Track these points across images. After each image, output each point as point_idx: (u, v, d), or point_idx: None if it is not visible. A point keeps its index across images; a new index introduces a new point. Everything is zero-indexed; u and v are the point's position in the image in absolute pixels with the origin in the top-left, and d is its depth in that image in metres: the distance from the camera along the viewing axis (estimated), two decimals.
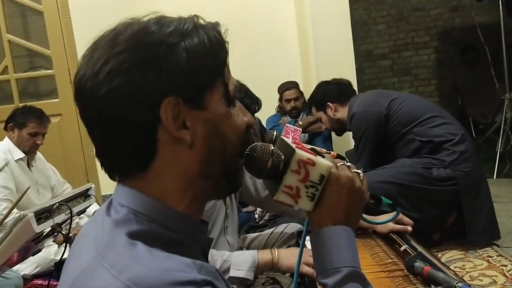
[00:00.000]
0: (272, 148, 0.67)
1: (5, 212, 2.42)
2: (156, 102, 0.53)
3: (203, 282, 0.49)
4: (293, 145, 0.69)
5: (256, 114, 3.54)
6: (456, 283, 1.05)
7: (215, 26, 0.60)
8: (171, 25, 0.57)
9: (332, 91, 2.56)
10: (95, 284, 0.50)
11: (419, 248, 1.38)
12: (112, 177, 0.59)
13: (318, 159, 0.68)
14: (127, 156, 0.56)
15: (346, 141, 3.27)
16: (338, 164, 0.70)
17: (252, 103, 1.53)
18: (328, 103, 2.53)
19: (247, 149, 0.67)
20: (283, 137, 0.73)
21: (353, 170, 0.71)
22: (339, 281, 0.65)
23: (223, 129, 0.58)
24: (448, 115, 2.40)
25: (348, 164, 0.71)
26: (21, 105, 3.15)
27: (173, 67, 0.54)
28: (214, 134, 0.58)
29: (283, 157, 0.67)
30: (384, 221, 1.06)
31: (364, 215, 0.79)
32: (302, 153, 0.67)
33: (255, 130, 3.24)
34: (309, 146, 0.74)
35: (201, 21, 0.60)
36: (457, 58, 5.78)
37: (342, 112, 2.51)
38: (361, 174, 0.71)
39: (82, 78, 0.56)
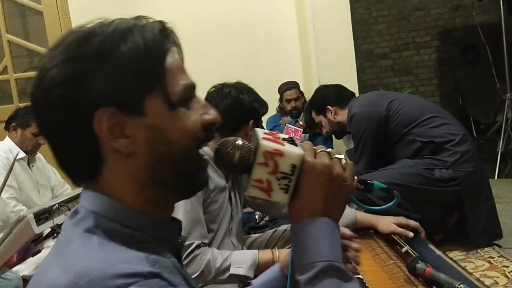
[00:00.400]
0: (240, 141, 0.65)
1: (15, 209, 2.47)
2: (89, 114, 0.54)
3: (149, 274, 0.50)
4: (261, 136, 0.66)
5: None
6: (458, 285, 1.05)
7: (154, 27, 0.59)
8: (106, 33, 0.56)
9: (331, 94, 2.53)
10: (46, 280, 0.52)
11: (438, 252, 1.39)
12: (75, 183, 0.61)
13: (287, 148, 0.64)
14: (76, 165, 0.58)
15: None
16: (318, 151, 0.67)
17: (261, 106, 1.54)
18: (328, 106, 2.51)
19: (217, 145, 0.66)
20: (257, 129, 0.69)
21: (334, 157, 0.67)
22: (312, 277, 0.62)
23: (168, 134, 0.57)
24: (448, 116, 2.39)
25: (328, 150, 0.68)
26: (21, 105, 3.16)
27: (102, 78, 0.54)
28: (157, 140, 0.57)
29: (253, 149, 0.65)
30: (384, 207, 1.01)
31: (362, 204, 0.77)
32: (268, 144, 0.64)
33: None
34: (286, 136, 0.69)
35: (144, 22, 0.59)
36: (458, 58, 5.77)
37: (342, 115, 2.49)
38: (343, 160, 0.67)
39: (32, 89, 0.57)
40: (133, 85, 0.55)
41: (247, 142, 0.66)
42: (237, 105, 1.51)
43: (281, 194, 0.65)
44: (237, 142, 0.65)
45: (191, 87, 0.61)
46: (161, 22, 0.60)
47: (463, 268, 1.36)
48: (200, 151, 0.62)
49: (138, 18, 0.59)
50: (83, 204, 0.58)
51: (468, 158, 2.22)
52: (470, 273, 1.32)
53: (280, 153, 0.64)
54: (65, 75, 0.54)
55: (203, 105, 0.62)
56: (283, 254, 1.36)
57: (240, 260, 1.37)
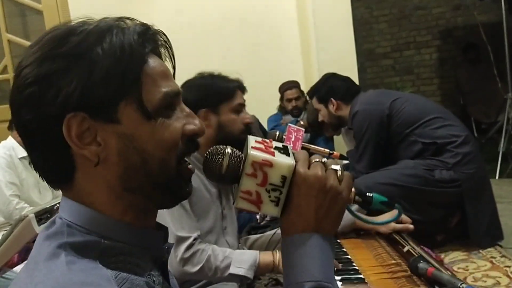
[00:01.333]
0: (229, 150, 0.62)
1: (18, 207, 2.51)
2: (58, 118, 0.52)
3: None
4: (251, 145, 0.62)
5: (257, 113, 3.50)
6: (460, 284, 1.05)
7: (135, 30, 0.56)
8: (83, 33, 0.54)
9: (339, 88, 2.48)
10: None
11: (417, 249, 1.38)
12: (52, 187, 0.59)
13: (277, 159, 0.61)
14: (48, 168, 0.56)
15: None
16: (312, 162, 0.63)
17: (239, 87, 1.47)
18: (332, 99, 2.46)
19: (206, 153, 0.63)
20: (249, 137, 0.66)
21: (329, 167, 0.63)
22: None
23: (142, 144, 0.54)
24: (451, 116, 2.38)
25: (324, 160, 0.64)
26: None
27: (74, 81, 0.52)
28: (130, 149, 0.54)
29: (243, 159, 0.62)
30: (385, 221, 1.00)
31: (362, 215, 0.73)
32: (257, 154, 0.61)
33: (251, 128, 3.23)
34: (280, 145, 0.65)
35: (126, 24, 0.56)
36: (459, 57, 5.77)
37: (344, 111, 2.46)
38: (339, 171, 0.63)
39: (11, 85, 0.56)
40: (105, 90, 0.52)
41: (237, 151, 0.63)
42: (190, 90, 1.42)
43: (271, 207, 0.62)
44: (226, 151, 0.62)
45: (173, 95, 0.57)
46: (144, 24, 0.57)
47: (444, 267, 1.33)
48: (185, 159, 0.59)
49: (121, 19, 0.57)
50: (61, 214, 0.56)
51: (470, 160, 2.21)
52: (446, 269, 1.29)
53: (269, 164, 0.61)
54: (37, 74, 0.52)
55: (187, 114, 0.59)
56: None
57: (241, 260, 1.36)
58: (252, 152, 0.61)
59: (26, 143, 0.56)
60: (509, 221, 2.54)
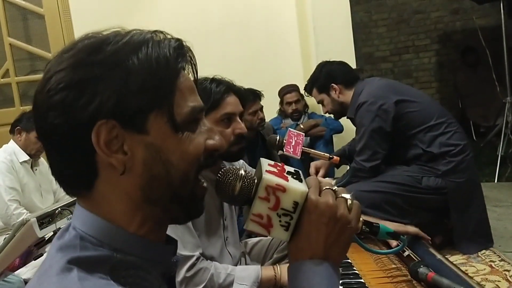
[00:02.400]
0: (243, 172, 0.63)
1: (16, 212, 2.50)
2: (88, 124, 0.52)
3: None
4: (265, 168, 0.63)
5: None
6: None
7: (170, 44, 0.57)
8: (119, 43, 0.54)
9: (337, 71, 2.38)
10: None
11: (438, 256, 1.39)
12: (68, 194, 0.59)
13: (291, 184, 0.62)
14: (69, 174, 0.56)
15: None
16: (323, 188, 0.64)
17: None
18: (333, 84, 2.36)
19: (218, 174, 0.64)
20: (261, 159, 0.67)
21: (339, 195, 0.64)
22: None
23: (167, 155, 0.55)
24: (454, 121, 2.32)
25: (334, 188, 0.65)
26: (23, 108, 3.19)
27: (109, 88, 0.52)
28: (156, 160, 0.55)
29: (255, 181, 0.63)
30: (390, 251, 1.01)
31: (367, 246, 0.75)
32: (271, 178, 0.61)
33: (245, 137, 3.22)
34: (292, 169, 0.66)
35: (160, 37, 0.57)
36: (458, 61, 5.79)
37: (347, 96, 2.36)
38: (348, 200, 0.64)
39: (37, 89, 0.56)
40: (139, 100, 0.53)
41: (249, 173, 0.64)
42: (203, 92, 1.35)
43: (281, 231, 0.63)
44: (240, 172, 0.63)
45: (199, 110, 0.58)
46: (178, 40, 0.59)
47: (464, 272, 1.37)
48: (200, 177, 0.60)
49: (156, 32, 0.58)
50: (74, 224, 0.56)
51: (462, 168, 2.19)
52: (471, 277, 1.32)
53: (283, 189, 0.61)
54: (71, 80, 0.52)
55: (208, 129, 0.60)
56: (284, 270, 1.36)
57: (243, 277, 1.35)
58: (266, 176, 0.62)
59: (48, 147, 0.56)
60: (509, 225, 2.55)
